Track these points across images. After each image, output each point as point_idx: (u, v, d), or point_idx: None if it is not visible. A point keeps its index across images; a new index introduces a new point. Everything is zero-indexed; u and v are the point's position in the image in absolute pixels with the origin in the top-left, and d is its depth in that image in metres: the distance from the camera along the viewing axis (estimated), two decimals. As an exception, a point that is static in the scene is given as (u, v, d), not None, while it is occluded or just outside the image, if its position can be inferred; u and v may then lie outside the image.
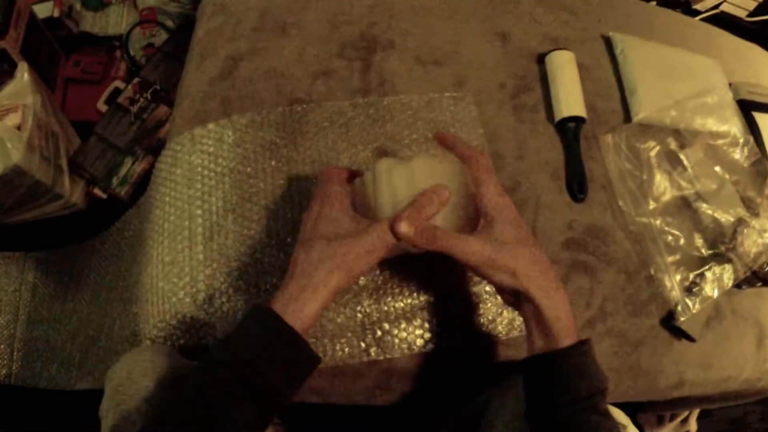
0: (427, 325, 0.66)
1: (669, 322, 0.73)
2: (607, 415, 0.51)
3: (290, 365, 0.49)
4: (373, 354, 0.64)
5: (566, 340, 0.50)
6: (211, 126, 0.74)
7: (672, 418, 1.11)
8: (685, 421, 1.12)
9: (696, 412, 1.11)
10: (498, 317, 0.67)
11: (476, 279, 0.68)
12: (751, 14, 1.36)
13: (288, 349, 0.48)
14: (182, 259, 0.67)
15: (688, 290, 0.74)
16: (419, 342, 0.65)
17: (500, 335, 0.67)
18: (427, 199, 0.52)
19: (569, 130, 0.79)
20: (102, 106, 1.07)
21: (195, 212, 0.69)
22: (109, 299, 0.92)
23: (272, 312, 0.48)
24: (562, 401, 0.49)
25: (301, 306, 0.49)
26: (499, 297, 0.65)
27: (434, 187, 0.52)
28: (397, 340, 0.65)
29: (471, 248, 0.51)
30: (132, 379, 0.51)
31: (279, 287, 0.51)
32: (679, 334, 0.73)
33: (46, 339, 1.00)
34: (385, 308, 0.65)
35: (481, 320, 0.67)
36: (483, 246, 0.51)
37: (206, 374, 0.47)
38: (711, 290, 0.74)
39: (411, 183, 0.53)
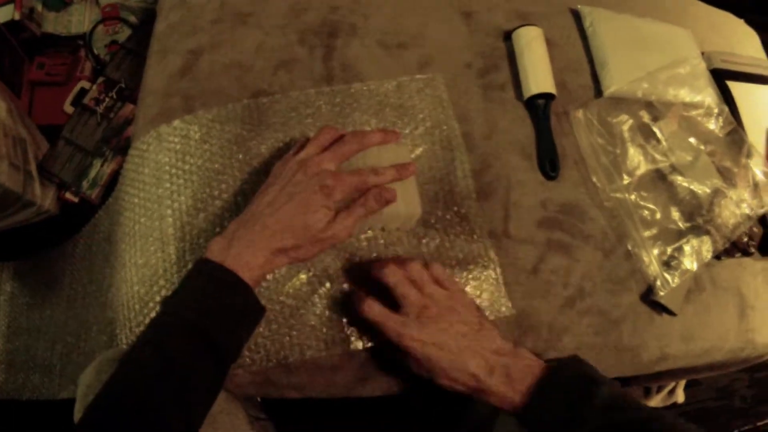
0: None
1: (649, 297, 0.73)
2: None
3: (239, 311, 0.53)
4: (354, 345, 0.63)
5: (518, 398, 0.54)
6: (176, 123, 0.72)
7: (659, 390, 1.11)
8: (672, 392, 1.13)
9: (683, 382, 1.12)
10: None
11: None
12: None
13: (235, 296, 0.52)
14: (155, 261, 0.66)
15: (667, 264, 0.74)
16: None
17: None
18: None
19: (539, 108, 0.77)
20: (68, 108, 1.05)
21: (165, 212, 0.68)
22: (85, 304, 0.91)
23: (214, 263, 0.52)
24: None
25: (248, 257, 0.53)
26: (491, 286, 0.68)
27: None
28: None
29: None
30: (100, 380, 0.51)
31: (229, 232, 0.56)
32: (660, 308, 0.73)
33: (26, 349, 0.99)
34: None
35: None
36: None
37: (157, 326, 0.51)
38: (690, 263, 0.74)
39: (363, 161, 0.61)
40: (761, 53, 1.07)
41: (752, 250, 0.80)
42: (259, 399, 0.77)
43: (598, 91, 0.83)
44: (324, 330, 0.63)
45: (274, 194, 0.57)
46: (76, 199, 1.00)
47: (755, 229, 0.81)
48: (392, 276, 0.58)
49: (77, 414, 0.53)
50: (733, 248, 0.79)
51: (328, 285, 0.64)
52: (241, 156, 0.70)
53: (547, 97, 0.77)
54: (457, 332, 0.56)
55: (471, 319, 0.58)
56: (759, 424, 1.31)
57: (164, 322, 0.50)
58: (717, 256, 0.78)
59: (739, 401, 1.30)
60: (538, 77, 0.78)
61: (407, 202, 0.62)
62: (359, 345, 0.63)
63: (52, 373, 0.95)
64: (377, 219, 0.63)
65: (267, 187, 0.59)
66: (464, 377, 0.54)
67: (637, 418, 0.51)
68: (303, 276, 0.64)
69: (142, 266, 0.67)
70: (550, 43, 0.82)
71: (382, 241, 0.66)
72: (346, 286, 0.64)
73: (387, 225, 0.66)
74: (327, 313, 0.63)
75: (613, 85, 0.81)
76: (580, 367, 0.56)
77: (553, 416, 0.53)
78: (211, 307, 0.50)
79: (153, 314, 0.64)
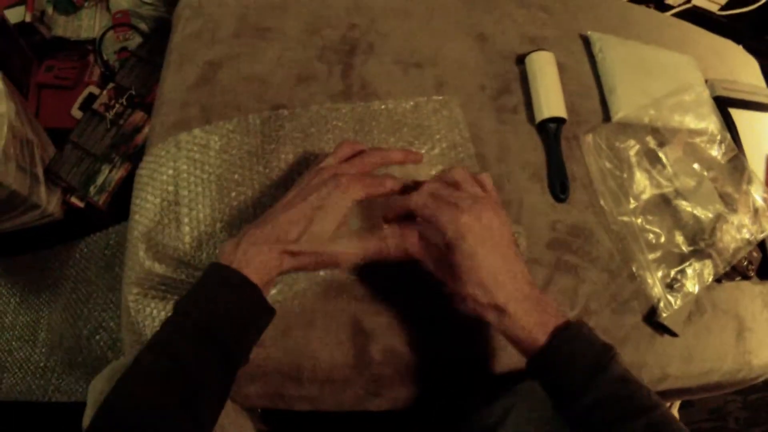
0: (415, 329, 0.66)
1: (651, 318, 0.74)
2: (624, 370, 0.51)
3: (247, 312, 0.52)
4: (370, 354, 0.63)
5: (541, 337, 0.51)
6: (196, 131, 0.72)
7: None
8: (667, 412, 1.14)
9: (677, 403, 1.13)
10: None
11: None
12: (723, 8, 1.38)
13: (244, 297, 0.51)
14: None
15: (670, 286, 0.76)
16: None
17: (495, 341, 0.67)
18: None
19: (550, 131, 0.79)
20: (76, 112, 1.05)
21: (182, 219, 0.68)
22: (83, 312, 0.90)
23: (222, 264, 0.52)
24: (570, 389, 0.50)
25: (255, 255, 0.52)
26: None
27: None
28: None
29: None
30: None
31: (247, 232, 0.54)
32: (662, 329, 0.74)
33: (9, 349, 0.97)
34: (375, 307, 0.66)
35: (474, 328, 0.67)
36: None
37: (168, 327, 0.50)
38: (692, 286, 0.76)
39: None
40: (761, 80, 1.10)
41: (751, 273, 0.82)
42: (259, 411, 0.77)
43: (607, 116, 0.85)
44: (338, 341, 0.63)
45: (290, 197, 0.57)
46: (82, 204, 1.00)
47: (755, 254, 0.83)
48: (417, 198, 0.56)
49: (86, 420, 0.52)
50: (733, 272, 0.81)
51: (344, 296, 0.65)
52: (260, 168, 0.70)
53: (559, 121, 0.79)
54: (504, 237, 0.53)
55: (510, 235, 0.55)
56: (753, 446, 1.31)
57: (172, 324, 0.50)
58: (717, 280, 0.80)
59: (733, 423, 1.31)
60: (550, 101, 0.79)
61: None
62: (375, 355, 0.63)
63: (42, 377, 0.94)
64: None
65: (286, 194, 0.59)
66: (498, 294, 0.51)
67: (644, 406, 0.49)
68: (317, 287, 0.65)
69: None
70: (561, 67, 0.84)
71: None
72: (360, 295, 0.65)
73: None
74: (341, 323, 0.64)
75: (621, 110, 0.83)
76: (597, 336, 0.54)
77: (570, 367, 0.50)
78: (219, 308, 0.50)
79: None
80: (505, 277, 0.52)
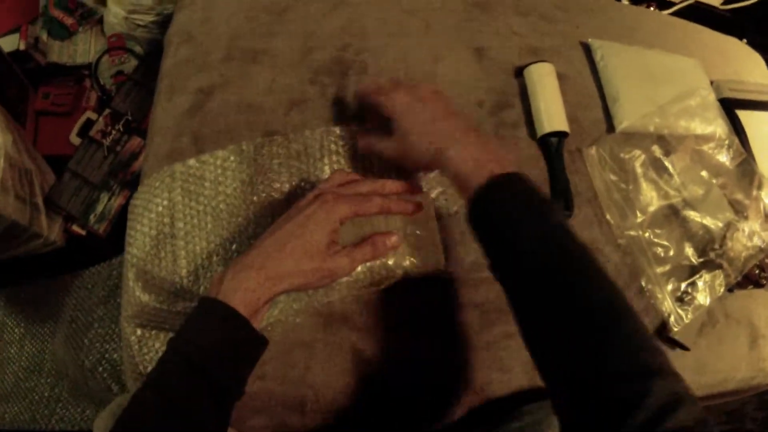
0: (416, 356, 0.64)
1: (662, 333, 0.73)
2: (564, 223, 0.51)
3: (236, 344, 0.51)
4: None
5: (479, 179, 0.52)
6: (191, 162, 0.71)
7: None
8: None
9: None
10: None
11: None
12: (725, 2, 1.35)
13: (231, 329, 0.50)
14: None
15: (680, 300, 0.74)
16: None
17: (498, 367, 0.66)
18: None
19: (552, 146, 0.77)
20: (75, 139, 1.04)
21: (179, 253, 0.67)
22: (84, 342, 0.90)
23: (210, 298, 0.51)
24: (504, 235, 0.51)
25: (241, 284, 0.51)
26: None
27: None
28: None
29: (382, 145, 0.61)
30: None
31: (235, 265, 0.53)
32: (673, 343, 0.73)
33: (15, 380, 0.97)
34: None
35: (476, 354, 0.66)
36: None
37: (160, 365, 0.49)
38: (703, 298, 0.74)
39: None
40: (767, 76, 1.07)
41: (764, 281, 0.80)
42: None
43: (610, 126, 0.83)
44: (340, 370, 0.63)
45: (278, 221, 0.56)
46: (83, 232, 1.00)
47: (767, 261, 0.81)
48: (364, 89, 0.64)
49: None
50: (745, 280, 0.80)
51: (345, 327, 0.64)
52: (255, 198, 0.69)
53: (561, 135, 0.77)
54: (432, 104, 0.59)
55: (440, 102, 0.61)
56: (772, 447, 1.30)
57: (165, 362, 0.50)
58: (729, 289, 0.78)
59: (750, 423, 1.29)
60: (551, 115, 0.77)
61: (427, 253, 0.62)
62: (376, 382, 0.63)
63: (50, 406, 0.94)
64: (397, 272, 0.62)
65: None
66: (436, 136, 0.57)
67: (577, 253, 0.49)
68: (317, 317, 0.64)
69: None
70: (562, 77, 0.82)
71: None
72: (360, 325, 0.64)
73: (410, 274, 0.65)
74: (343, 352, 0.63)
75: (625, 120, 0.81)
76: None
77: (508, 211, 0.51)
78: (207, 343, 0.49)
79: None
80: (444, 124, 0.57)
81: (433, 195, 0.70)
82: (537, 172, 0.77)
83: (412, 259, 0.62)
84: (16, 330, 0.99)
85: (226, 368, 0.50)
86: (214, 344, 0.49)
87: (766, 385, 0.85)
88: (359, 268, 0.61)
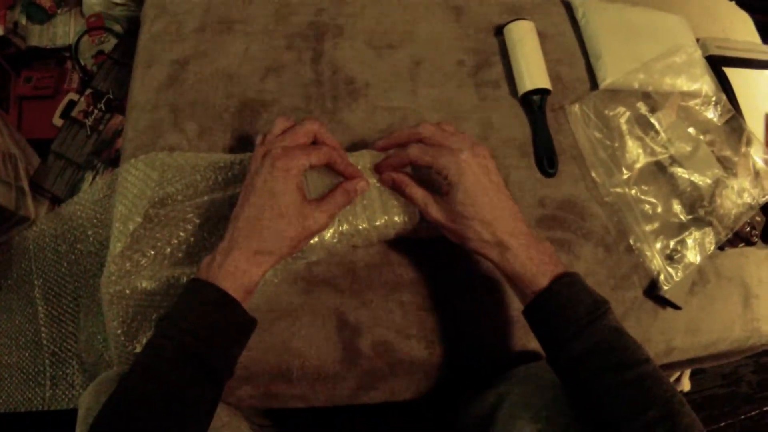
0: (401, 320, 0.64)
1: (652, 292, 0.72)
2: (618, 323, 0.52)
3: (228, 328, 0.51)
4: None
5: (542, 280, 0.52)
6: (176, 155, 0.69)
7: (665, 379, 1.11)
8: (677, 380, 1.12)
9: (687, 371, 1.11)
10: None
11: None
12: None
13: (224, 313, 0.50)
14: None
15: (670, 258, 0.73)
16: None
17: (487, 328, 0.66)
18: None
19: (534, 104, 0.76)
20: (58, 121, 1.03)
21: (180, 232, 0.66)
22: (66, 312, 0.89)
23: (200, 280, 0.51)
24: (565, 335, 0.50)
25: (229, 266, 0.51)
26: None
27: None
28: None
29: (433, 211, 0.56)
30: (100, 402, 0.50)
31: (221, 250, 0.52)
32: (664, 302, 0.72)
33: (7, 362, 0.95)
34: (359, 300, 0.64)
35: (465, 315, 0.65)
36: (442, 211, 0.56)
37: (151, 350, 0.49)
38: (693, 256, 0.73)
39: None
40: (755, 36, 1.05)
41: (755, 239, 0.79)
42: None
43: (594, 84, 0.82)
44: (324, 337, 0.62)
45: (241, 197, 0.54)
46: (69, 214, 0.99)
47: (757, 218, 0.80)
48: (414, 150, 0.56)
49: None
50: (736, 238, 0.78)
51: (326, 289, 0.63)
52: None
53: (543, 92, 0.76)
54: (499, 178, 0.56)
55: (502, 179, 0.57)
56: (766, 409, 1.30)
57: (157, 347, 0.49)
58: (720, 247, 0.77)
59: (746, 387, 1.29)
60: (533, 73, 0.76)
61: (403, 211, 0.61)
62: (365, 349, 0.62)
63: (42, 385, 0.94)
64: (374, 233, 0.61)
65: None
66: (500, 229, 0.53)
67: (636, 358, 0.49)
68: (300, 283, 0.63)
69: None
70: (543, 35, 0.80)
71: (378, 248, 0.65)
72: (343, 288, 0.64)
73: (386, 236, 0.64)
74: (326, 318, 0.63)
75: (608, 77, 0.80)
76: (593, 288, 0.55)
77: (568, 311, 0.51)
78: (200, 325, 0.49)
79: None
80: (506, 214, 0.54)
81: None
82: (520, 130, 0.76)
83: (384, 217, 0.60)
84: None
85: (220, 353, 0.50)
86: (208, 329, 0.49)
87: (761, 346, 0.84)
88: (331, 229, 0.60)
